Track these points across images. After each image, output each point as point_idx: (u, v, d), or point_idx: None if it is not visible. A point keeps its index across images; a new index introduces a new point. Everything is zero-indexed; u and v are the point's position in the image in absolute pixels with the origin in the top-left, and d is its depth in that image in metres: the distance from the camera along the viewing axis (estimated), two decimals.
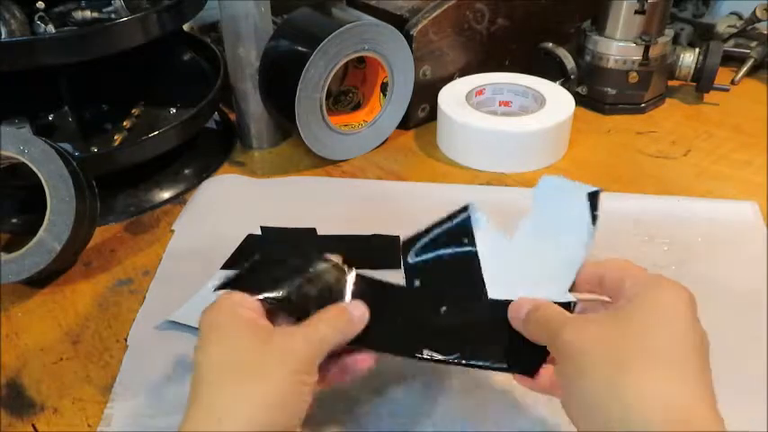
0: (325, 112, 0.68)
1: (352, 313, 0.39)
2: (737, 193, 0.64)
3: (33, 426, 0.44)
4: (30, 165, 0.53)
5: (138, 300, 0.54)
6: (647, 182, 0.67)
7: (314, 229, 0.60)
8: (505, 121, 0.70)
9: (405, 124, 0.76)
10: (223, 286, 0.39)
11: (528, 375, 0.38)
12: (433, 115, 0.76)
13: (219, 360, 0.37)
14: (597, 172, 0.69)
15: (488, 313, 0.40)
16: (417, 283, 0.42)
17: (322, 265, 0.41)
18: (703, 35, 0.91)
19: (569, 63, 0.80)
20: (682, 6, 0.95)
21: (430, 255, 0.43)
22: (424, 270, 0.43)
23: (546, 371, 0.38)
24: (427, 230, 0.44)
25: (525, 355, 0.38)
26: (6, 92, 0.62)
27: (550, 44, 0.81)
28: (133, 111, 0.71)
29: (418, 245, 0.43)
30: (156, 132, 0.62)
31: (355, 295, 0.41)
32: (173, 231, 0.62)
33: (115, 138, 0.67)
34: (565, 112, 0.70)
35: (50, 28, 0.61)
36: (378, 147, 0.75)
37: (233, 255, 0.57)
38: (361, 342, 0.39)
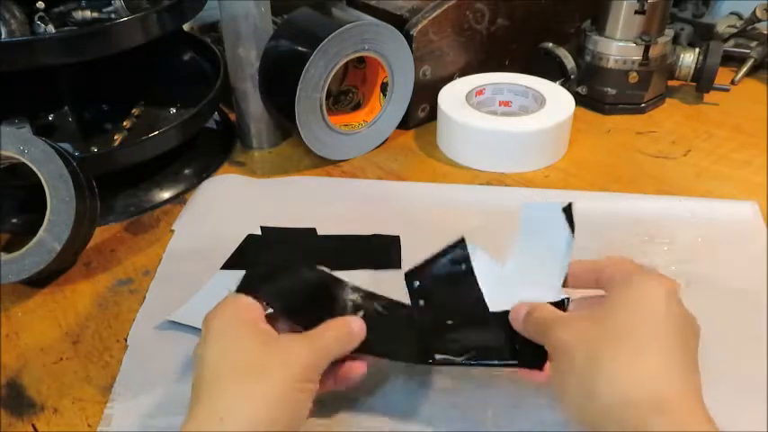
0: (325, 112, 0.68)
1: (352, 327, 0.41)
2: (737, 193, 0.64)
3: (33, 426, 0.44)
4: (30, 165, 0.53)
5: (138, 300, 0.54)
6: (647, 182, 0.67)
7: (314, 229, 0.60)
8: (505, 121, 0.70)
9: (405, 124, 0.76)
10: (241, 289, 0.41)
11: (537, 369, 0.40)
12: (433, 115, 0.76)
13: (221, 360, 0.37)
14: (597, 172, 0.69)
15: (491, 321, 0.43)
16: (422, 302, 0.45)
17: (331, 280, 0.44)
18: (703, 35, 0.91)
19: (569, 63, 0.80)
20: (682, 6, 0.95)
21: (431, 278, 0.46)
22: (426, 291, 0.46)
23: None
24: (427, 261, 0.47)
25: (531, 352, 0.40)
26: (6, 92, 0.62)
27: (550, 44, 0.81)
28: (133, 111, 0.71)
29: (420, 273, 0.47)
30: (156, 132, 0.62)
31: (366, 312, 0.44)
32: (173, 231, 0.62)
33: (115, 138, 0.67)
34: (565, 112, 0.70)
35: (50, 28, 0.61)
36: (378, 147, 0.75)
37: (233, 255, 0.57)
38: (373, 352, 0.42)
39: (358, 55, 0.67)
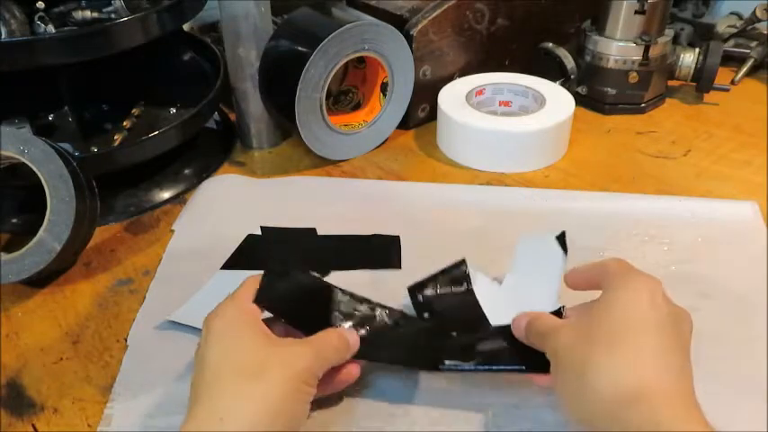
0: (325, 112, 0.68)
1: (348, 338, 0.42)
2: (737, 193, 0.64)
3: (33, 426, 0.44)
4: (30, 165, 0.53)
5: (138, 300, 0.54)
6: (647, 182, 0.67)
7: (314, 229, 0.60)
8: (505, 121, 0.70)
9: (405, 124, 0.76)
10: (257, 299, 0.42)
11: (543, 373, 0.41)
12: (433, 115, 0.76)
13: (222, 360, 0.38)
14: (597, 172, 0.69)
15: (494, 331, 0.45)
16: (427, 315, 0.48)
17: (339, 295, 0.46)
18: (703, 35, 0.91)
19: (569, 63, 0.80)
20: (682, 6, 0.95)
21: (435, 295, 0.49)
22: (431, 305, 0.49)
23: None
24: (430, 278, 0.50)
25: (536, 356, 0.41)
26: (6, 92, 0.62)
27: (550, 44, 0.81)
28: (133, 111, 0.71)
29: (424, 289, 0.50)
30: (156, 132, 0.62)
31: (374, 322, 0.46)
32: (173, 231, 0.62)
33: (115, 138, 0.67)
34: (565, 112, 0.70)
35: (50, 28, 0.61)
36: (378, 147, 0.75)
37: (233, 255, 0.57)
38: (383, 360, 0.44)
39: (358, 55, 0.67)
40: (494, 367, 0.43)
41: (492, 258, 0.56)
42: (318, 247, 0.59)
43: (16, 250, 0.53)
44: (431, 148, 0.74)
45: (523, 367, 0.42)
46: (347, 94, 0.76)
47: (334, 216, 0.61)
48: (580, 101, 0.78)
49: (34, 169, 0.53)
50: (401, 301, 0.51)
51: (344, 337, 0.42)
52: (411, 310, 0.49)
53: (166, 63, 0.74)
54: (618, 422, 0.33)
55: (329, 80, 0.66)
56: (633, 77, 0.77)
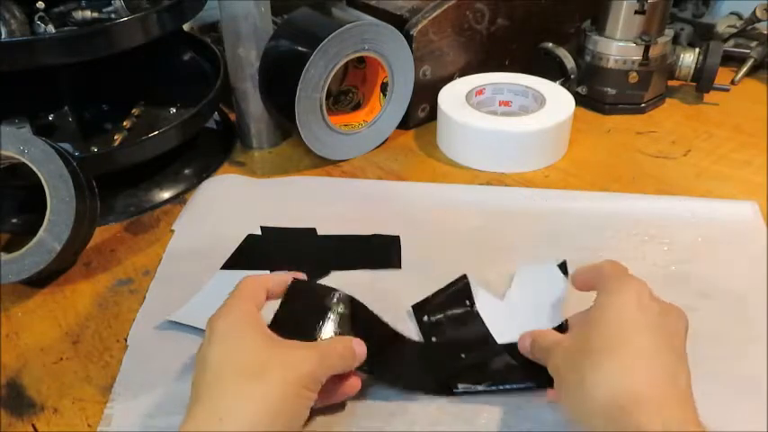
0: (325, 112, 0.68)
1: (355, 347, 0.42)
2: (737, 193, 0.64)
3: (33, 426, 0.44)
4: (30, 165, 0.53)
5: (138, 300, 0.54)
6: (647, 182, 0.67)
7: (314, 229, 0.60)
8: (505, 121, 0.70)
9: (405, 124, 0.76)
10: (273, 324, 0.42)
11: (553, 388, 0.41)
12: (433, 115, 0.76)
13: (224, 360, 0.38)
14: (597, 172, 0.69)
15: (502, 350, 0.46)
16: (434, 339, 0.48)
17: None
18: (703, 35, 0.91)
19: (569, 63, 0.80)
20: (682, 6, 0.95)
21: (440, 315, 0.50)
22: (437, 327, 0.49)
23: None
24: (434, 296, 0.51)
25: (546, 372, 0.42)
26: (6, 92, 0.62)
27: (550, 44, 0.81)
28: (133, 111, 0.71)
29: (429, 308, 0.50)
30: (156, 132, 0.62)
31: (385, 347, 0.45)
32: (173, 231, 0.62)
33: (115, 138, 0.67)
34: (565, 112, 0.70)
35: (50, 28, 0.61)
36: (378, 147, 0.75)
37: (233, 255, 0.57)
38: (396, 385, 0.44)
39: (358, 55, 0.67)
40: (506, 386, 0.44)
41: (492, 258, 0.56)
42: (318, 247, 0.59)
43: (16, 250, 0.53)
44: (431, 148, 0.74)
45: (534, 384, 0.43)
46: (347, 94, 0.76)
47: (334, 216, 0.61)
48: (580, 101, 0.78)
49: (34, 169, 0.53)
50: (402, 302, 0.51)
51: (351, 346, 0.42)
52: (414, 321, 0.50)
53: (166, 63, 0.74)
54: (618, 428, 0.33)
55: (329, 80, 0.66)
56: (633, 77, 0.77)
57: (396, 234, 0.59)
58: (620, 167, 0.70)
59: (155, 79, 0.73)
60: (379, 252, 0.58)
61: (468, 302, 0.51)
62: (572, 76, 0.80)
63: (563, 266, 0.52)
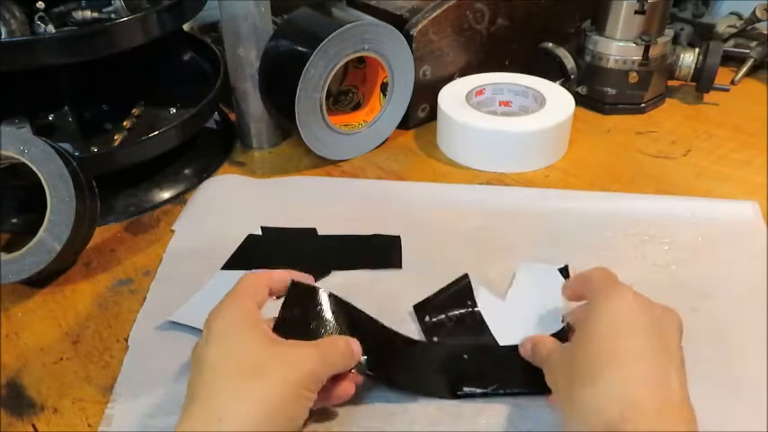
0: (325, 112, 0.68)
1: (353, 347, 0.42)
2: (737, 193, 0.64)
3: (33, 426, 0.44)
4: (30, 165, 0.53)
5: (138, 300, 0.54)
6: (647, 182, 0.67)
7: (314, 229, 0.60)
8: (505, 121, 0.70)
9: (405, 124, 0.76)
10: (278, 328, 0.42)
11: None
12: (433, 115, 0.76)
13: (222, 360, 0.37)
14: (597, 172, 0.69)
15: (505, 353, 0.47)
16: (436, 339, 0.48)
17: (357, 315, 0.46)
18: (703, 35, 0.91)
19: (569, 63, 0.80)
20: (682, 6, 0.95)
21: (442, 315, 0.50)
22: (439, 328, 0.49)
23: None
24: (435, 295, 0.51)
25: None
26: (6, 92, 0.62)
27: (550, 44, 0.81)
28: (133, 111, 0.71)
29: (430, 308, 0.50)
30: (156, 132, 0.62)
31: (386, 348, 0.46)
32: (173, 231, 0.61)
33: (115, 138, 0.67)
34: (565, 112, 0.70)
35: (50, 28, 0.61)
36: (378, 147, 0.75)
37: (233, 255, 0.57)
38: (400, 387, 0.44)
39: (358, 55, 0.67)
40: (509, 391, 0.44)
41: (492, 258, 0.56)
42: (319, 247, 0.59)
43: (16, 250, 0.53)
44: (431, 148, 0.74)
45: (537, 390, 0.43)
46: (347, 94, 0.76)
47: (334, 216, 0.61)
48: (580, 101, 0.78)
49: (34, 169, 0.53)
50: (402, 302, 0.51)
51: (350, 344, 0.42)
52: (415, 321, 0.50)
53: (166, 63, 0.74)
54: None
55: (329, 80, 0.66)
56: (633, 77, 0.77)
57: (396, 234, 0.59)
58: (620, 167, 0.70)
59: (155, 79, 0.73)
60: (380, 252, 0.58)
61: (469, 302, 0.51)
62: (572, 76, 0.80)
63: (564, 270, 0.52)
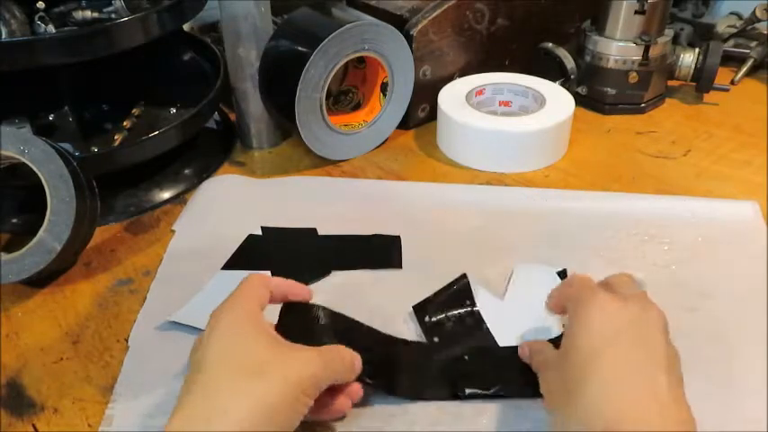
0: (325, 112, 0.68)
1: (354, 359, 0.41)
2: (737, 193, 0.64)
3: (33, 426, 0.44)
4: (30, 165, 0.53)
5: (138, 300, 0.54)
6: (647, 182, 0.67)
7: (314, 229, 0.60)
8: (505, 121, 0.70)
9: (405, 124, 0.76)
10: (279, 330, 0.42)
11: None
12: (433, 115, 0.76)
13: (222, 358, 0.37)
14: (597, 172, 0.69)
15: (505, 354, 0.47)
16: (436, 339, 0.48)
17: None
18: (703, 35, 0.91)
19: (569, 63, 0.80)
20: (682, 6, 0.95)
21: (441, 315, 0.50)
22: (439, 328, 0.49)
23: None
24: (435, 295, 0.51)
25: None
26: (6, 92, 0.62)
27: (550, 44, 0.81)
28: (133, 111, 0.71)
29: (430, 308, 0.50)
30: (156, 132, 0.62)
31: (383, 351, 0.46)
32: (173, 231, 0.61)
33: (115, 138, 0.67)
34: (565, 112, 0.70)
35: (50, 28, 0.61)
36: (378, 147, 0.75)
37: (233, 255, 0.57)
38: (401, 393, 0.44)
39: (358, 55, 0.67)
40: (510, 393, 0.44)
41: (492, 258, 0.56)
42: (319, 248, 0.59)
43: (16, 250, 0.53)
44: (431, 148, 0.74)
45: (538, 392, 0.43)
46: (347, 94, 0.76)
47: (334, 216, 0.61)
48: (580, 101, 0.78)
49: (34, 169, 0.53)
50: (402, 302, 0.51)
51: (354, 356, 0.41)
52: (415, 321, 0.50)
53: (166, 63, 0.74)
54: None
55: (329, 80, 0.66)
56: (633, 77, 0.77)
57: (396, 234, 0.59)
58: (620, 167, 0.70)
59: (155, 79, 0.73)
60: (380, 252, 0.58)
61: (468, 302, 0.51)
62: (572, 76, 0.80)
63: (563, 274, 0.52)
